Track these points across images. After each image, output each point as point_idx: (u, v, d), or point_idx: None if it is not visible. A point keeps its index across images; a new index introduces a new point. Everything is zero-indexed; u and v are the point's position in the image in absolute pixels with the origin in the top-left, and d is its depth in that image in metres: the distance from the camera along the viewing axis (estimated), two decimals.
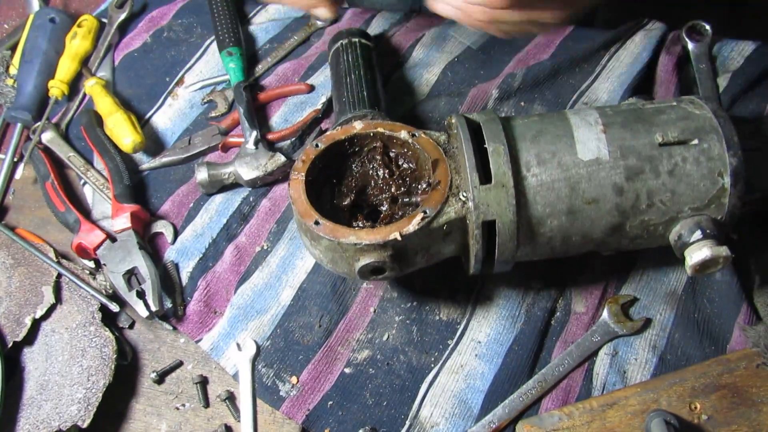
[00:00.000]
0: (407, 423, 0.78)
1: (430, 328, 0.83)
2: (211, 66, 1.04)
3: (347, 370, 0.81)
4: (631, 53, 1.00)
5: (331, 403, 0.79)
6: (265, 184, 0.93)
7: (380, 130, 0.77)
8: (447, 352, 0.81)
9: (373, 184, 0.79)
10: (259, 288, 0.86)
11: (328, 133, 0.78)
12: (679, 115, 0.73)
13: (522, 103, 0.97)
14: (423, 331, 0.83)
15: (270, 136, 0.95)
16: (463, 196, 0.71)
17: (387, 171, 0.78)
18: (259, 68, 1.04)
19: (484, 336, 0.82)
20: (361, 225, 0.74)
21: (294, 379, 0.81)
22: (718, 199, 0.72)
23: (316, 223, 0.70)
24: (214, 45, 1.05)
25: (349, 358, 0.82)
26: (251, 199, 0.93)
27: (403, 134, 0.76)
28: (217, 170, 0.91)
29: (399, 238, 0.68)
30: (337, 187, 0.79)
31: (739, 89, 0.95)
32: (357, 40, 0.94)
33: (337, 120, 0.86)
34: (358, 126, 0.77)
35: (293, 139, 0.96)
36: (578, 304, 0.83)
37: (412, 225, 0.69)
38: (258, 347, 0.82)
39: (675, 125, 0.72)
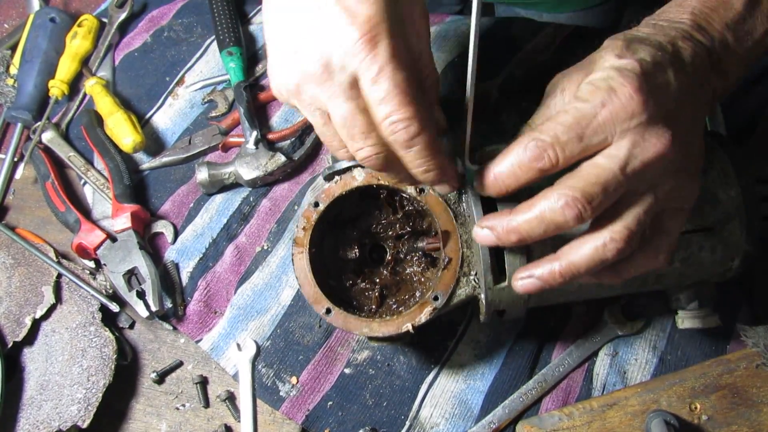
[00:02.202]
0: (407, 423, 0.78)
1: (430, 328, 0.82)
2: (212, 66, 1.04)
3: (347, 371, 0.81)
4: None
5: (330, 403, 0.79)
6: (265, 184, 0.93)
7: (384, 183, 0.70)
8: (447, 352, 0.81)
9: (375, 224, 0.76)
10: (259, 288, 0.86)
11: (326, 186, 0.72)
12: (706, 199, 0.69)
13: (523, 104, 0.97)
14: (423, 331, 0.82)
15: (270, 136, 0.95)
16: (475, 281, 0.69)
17: (391, 210, 0.75)
18: (260, 68, 1.03)
19: (484, 336, 0.82)
20: (368, 293, 0.73)
21: (294, 380, 0.81)
22: (723, 275, 0.72)
23: (328, 311, 0.69)
24: (215, 45, 1.05)
25: (349, 359, 0.82)
26: (251, 199, 0.93)
27: (410, 190, 0.71)
28: (217, 170, 0.91)
29: (411, 330, 0.68)
30: (340, 234, 0.76)
31: (739, 89, 0.95)
32: None
33: (333, 160, 0.74)
34: (359, 177, 0.70)
35: (293, 139, 0.95)
36: (578, 304, 0.83)
37: (424, 315, 0.68)
38: (258, 347, 0.82)
39: (701, 211, 0.68)
